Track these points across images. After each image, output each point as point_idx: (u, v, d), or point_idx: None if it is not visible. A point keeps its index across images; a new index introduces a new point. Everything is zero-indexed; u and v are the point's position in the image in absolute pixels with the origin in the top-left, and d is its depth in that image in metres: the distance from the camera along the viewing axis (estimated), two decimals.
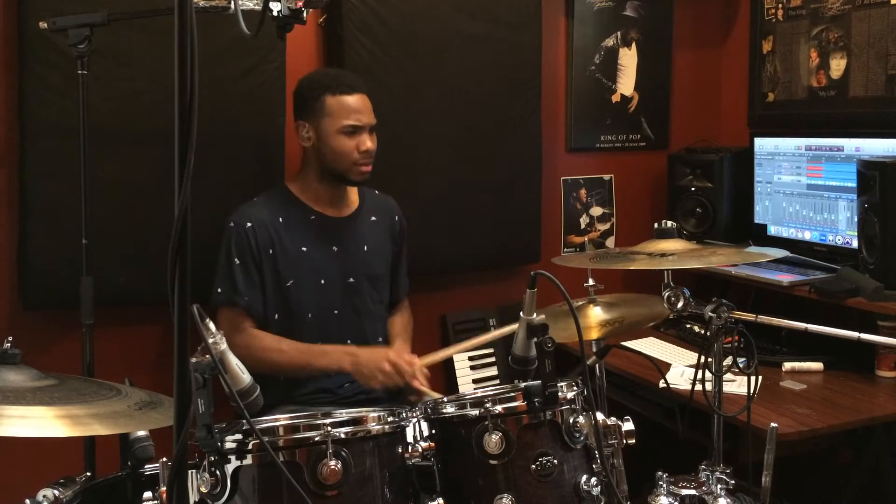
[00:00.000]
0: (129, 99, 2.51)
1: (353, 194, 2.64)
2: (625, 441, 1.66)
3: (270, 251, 2.45)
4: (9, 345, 1.56)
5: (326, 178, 2.52)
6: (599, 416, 1.62)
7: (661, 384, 2.55)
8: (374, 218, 2.64)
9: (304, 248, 2.48)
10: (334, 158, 2.47)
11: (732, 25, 3.66)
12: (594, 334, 2.23)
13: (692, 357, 2.75)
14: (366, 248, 2.58)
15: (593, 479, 1.58)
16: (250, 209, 2.49)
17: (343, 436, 1.46)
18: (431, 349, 3.09)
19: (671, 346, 3.00)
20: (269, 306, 2.46)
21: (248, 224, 2.44)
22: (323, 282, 2.50)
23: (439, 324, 3.16)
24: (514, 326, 1.96)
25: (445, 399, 1.64)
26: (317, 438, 1.44)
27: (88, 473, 1.70)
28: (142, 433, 1.68)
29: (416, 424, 1.63)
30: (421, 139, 2.96)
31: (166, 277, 1.01)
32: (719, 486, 2.02)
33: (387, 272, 2.66)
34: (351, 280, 2.54)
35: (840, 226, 2.97)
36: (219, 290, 2.43)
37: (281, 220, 2.49)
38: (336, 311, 2.51)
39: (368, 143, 2.48)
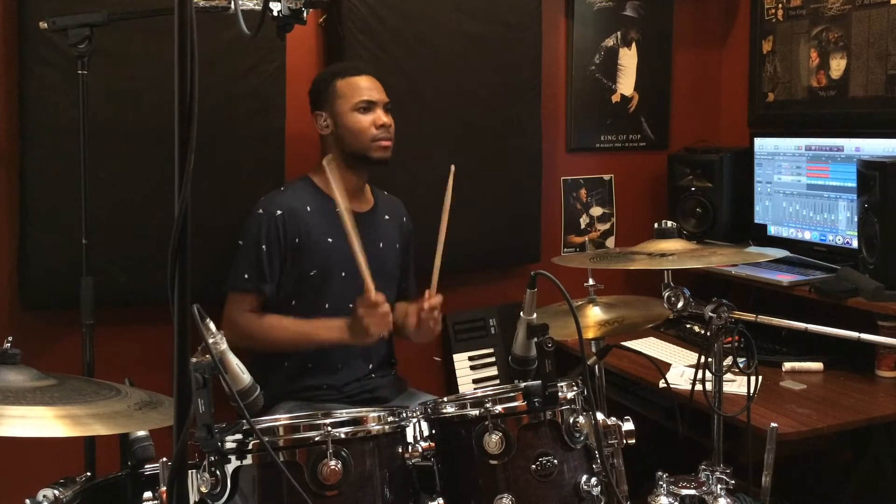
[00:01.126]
0: (129, 99, 2.51)
1: (368, 192, 2.66)
2: (625, 441, 1.66)
3: (297, 240, 2.45)
4: (9, 345, 1.56)
5: (351, 165, 2.53)
6: (599, 416, 1.62)
7: (661, 384, 2.55)
8: (386, 217, 2.67)
9: (330, 240, 2.49)
10: (353, 138, 2.49)
11: (732, 25, 3.66)
12: (594, 334, 2.23)
13: (692, 357, 2.75)
14: (381, 245, 2.60)
15: (593, 479, 1.58)
16: (280, 197, 2.50)
17: (343, 436, 1.46)
18: (431, 351, 3.11)
19: (671, 346, 3.00)
20: (285, 294, 2.47)
21: (279, 212, 2.45)
22: (344, 274, 2.50)
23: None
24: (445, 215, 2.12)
25: (445, 399, 1.64)
26: (317, 438, 1.44)
27: (88, 473, 1.70)
28: (142, 433, 1.68)
29: (416, 424, 1.63)
30: (421, 139, 2.96)
31: (166, 277, 1.01)
32: (719, 486, 2.01)
33: (395, 272, 2.66)
34: None
35: (840, 226, 2.97)
36: (245, 275, 2.43)
37: (309, 209, 2.49)
38: (351, 306, 2.51)
39: (384, 118, 2.50)
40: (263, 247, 2.42)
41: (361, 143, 2.49)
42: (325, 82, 2.53)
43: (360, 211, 2.59)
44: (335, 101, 2.50)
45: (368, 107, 2.49)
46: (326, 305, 2.48)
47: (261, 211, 2.46)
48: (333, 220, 2.52)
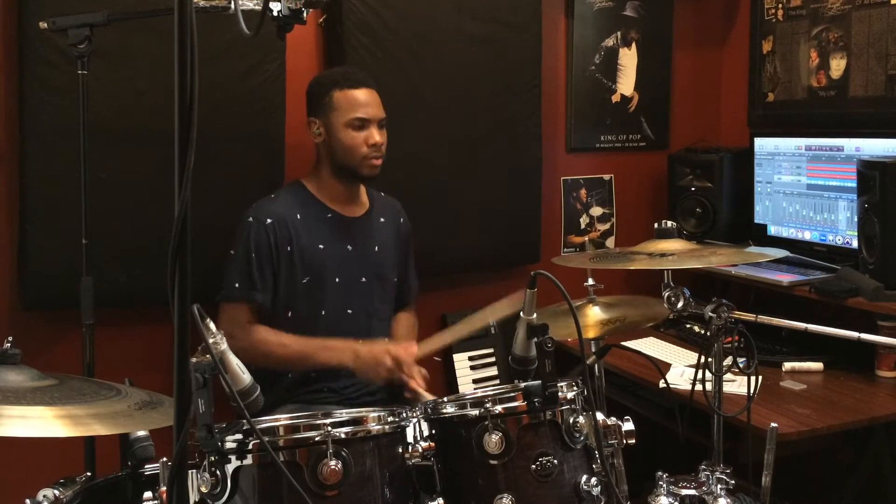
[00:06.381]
0: (129, 99, 2.51)
1: (364, 195, 2.64)
2: (625, 441, 1.66)
3: (288, 248, 2.45)
4: (9, 345, 1.56)
5: (340, 175, 2.52)
6: (599, 416, 1.62)
7: (661, 384, 2.55)
8: (382, 219, 2.65)
9: (321, 246, 2.48)
10: (344, 153, 2.48)
11: (732, 25, 3.66)
12: (593, 334, 2.24)
13: (692, 357, 2.75)
14: (376, 248, 2.59)
15: (593, 479, 1.58)
16: (269, 205, 2.49)
17: (343, 436, 1.46)
18: None
19: (671, 346, 3.00)
20: (280, 303, 2.46)
21: (269, 220, 2.44)
22: (338, 280, 2.50)
23: (439, 324, 3.16)
24: (506, 305, 2.03)
25: (445, 399, 1.64)
26: (317, 438, 1.45)
27: (88, 473, 1.70)
28: (142, 433, 1.68)
29: (416, 424, 1.63)
30: (421, 139, 2.96)
31: (166, 277, 1.01)
32: (719, 486, 2.02)
33: (393, 274, 2.65)
34: (363, 280, 2.54)
35: (840, 226, 2.97)
36: (236, 284, 2.42)
37: (299, 216, 2.49)
38: (350, 311, 2.50)
39: (377, 136, 2.48)
40: (253, 255, 2.42)
41: (351, 159, 2.47)
42: (323, 89, 2.50)
43: (354, 215, 2.58)
44: (330, 112, 2.47)
45: (363, 124, 2.46)
46: (322, 312, 2.47)
47: (251, 219, 2.45)
48: (324, 227, 2.51)
